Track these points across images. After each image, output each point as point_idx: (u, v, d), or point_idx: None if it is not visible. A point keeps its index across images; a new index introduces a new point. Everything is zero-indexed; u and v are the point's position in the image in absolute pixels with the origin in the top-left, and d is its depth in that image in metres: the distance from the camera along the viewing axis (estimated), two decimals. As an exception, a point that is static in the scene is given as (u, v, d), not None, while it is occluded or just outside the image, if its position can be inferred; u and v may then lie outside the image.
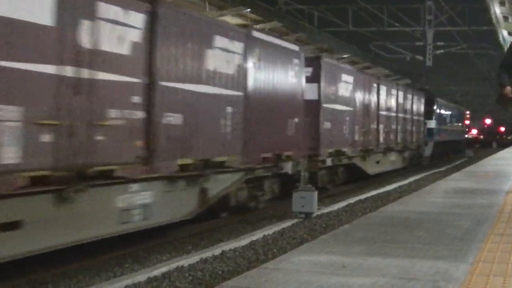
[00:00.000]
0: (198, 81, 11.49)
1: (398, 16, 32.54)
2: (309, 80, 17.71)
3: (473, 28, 33.15)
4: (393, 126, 27.73)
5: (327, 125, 19.10)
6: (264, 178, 14.86)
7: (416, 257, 5.87)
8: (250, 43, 13.50)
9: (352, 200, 17.62)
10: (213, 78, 11.96)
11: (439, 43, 36.13)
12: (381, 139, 25.47)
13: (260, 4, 20.01)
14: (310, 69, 18.07)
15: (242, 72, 13.14)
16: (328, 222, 13.74)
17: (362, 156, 22.65)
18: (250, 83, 13.50)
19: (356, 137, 22.00)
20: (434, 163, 37.03)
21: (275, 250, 10.72)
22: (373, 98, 24.43)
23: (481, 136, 69.54)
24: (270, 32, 15.98)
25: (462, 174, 17.16)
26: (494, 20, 25.67)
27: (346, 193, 20.30)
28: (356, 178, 23.45)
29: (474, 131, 69.87)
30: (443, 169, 31.91)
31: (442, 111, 40.51)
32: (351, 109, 21.49)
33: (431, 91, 40.37)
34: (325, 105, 18.95)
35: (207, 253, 10.31)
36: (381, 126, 25.35)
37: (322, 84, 18.76)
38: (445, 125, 41.33)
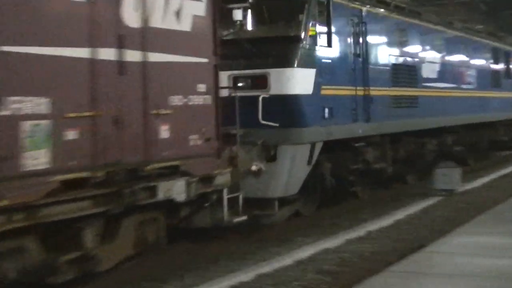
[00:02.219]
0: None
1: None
2: None
3: None
4: None
5: None
6: None
7: None
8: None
9: (495, 175, 16.94)
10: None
11: None
12: None
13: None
14: None
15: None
16: (471, 200, 13.27)
17: None
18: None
19: None
20: None
21: (420, 230, 10.46)
22: None
23: None
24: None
25: None
26: None
27: (486, 169, 19.51)
28: None
29: None
30: None
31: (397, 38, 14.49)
32: None
33: None
34: None
35: (352, 234, 10.16)
36: None
37: None
38: (427, 82, 15.72)
